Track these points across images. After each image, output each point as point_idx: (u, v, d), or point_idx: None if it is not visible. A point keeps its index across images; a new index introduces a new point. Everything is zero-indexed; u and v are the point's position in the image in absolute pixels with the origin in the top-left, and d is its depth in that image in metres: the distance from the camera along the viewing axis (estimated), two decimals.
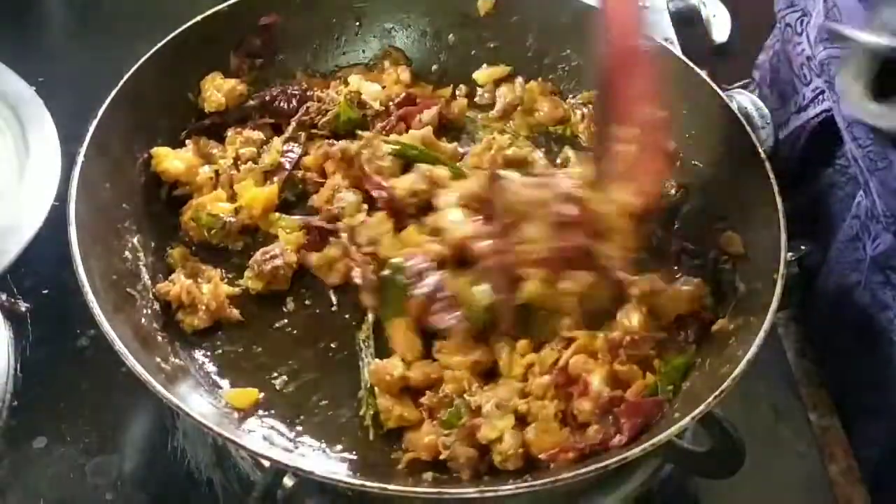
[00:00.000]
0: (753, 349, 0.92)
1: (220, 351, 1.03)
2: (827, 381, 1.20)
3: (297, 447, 0.95)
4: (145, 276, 1.05)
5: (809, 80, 1.20)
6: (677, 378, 0.97)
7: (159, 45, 1.14)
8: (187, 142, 1.16)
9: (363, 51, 1.30)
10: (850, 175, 1.18)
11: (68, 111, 1.23)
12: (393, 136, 1.18)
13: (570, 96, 1.27)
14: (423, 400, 0.97)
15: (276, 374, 1.01)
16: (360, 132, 1.18)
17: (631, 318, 1.00)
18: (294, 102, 1.22)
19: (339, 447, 0.96)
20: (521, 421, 0.95)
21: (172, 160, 1.13)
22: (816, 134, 1.20)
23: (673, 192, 1.16)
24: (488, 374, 1.00)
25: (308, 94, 1.23)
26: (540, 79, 1.28)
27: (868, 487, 1.12)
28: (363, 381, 0.99)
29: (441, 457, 0.93)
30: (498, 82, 1.28)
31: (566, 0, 1.25)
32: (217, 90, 1.18)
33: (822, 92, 1.17)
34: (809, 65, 1.18)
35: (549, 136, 1.25)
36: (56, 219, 1.07)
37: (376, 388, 0.97)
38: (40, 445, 1.06)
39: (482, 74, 1.29)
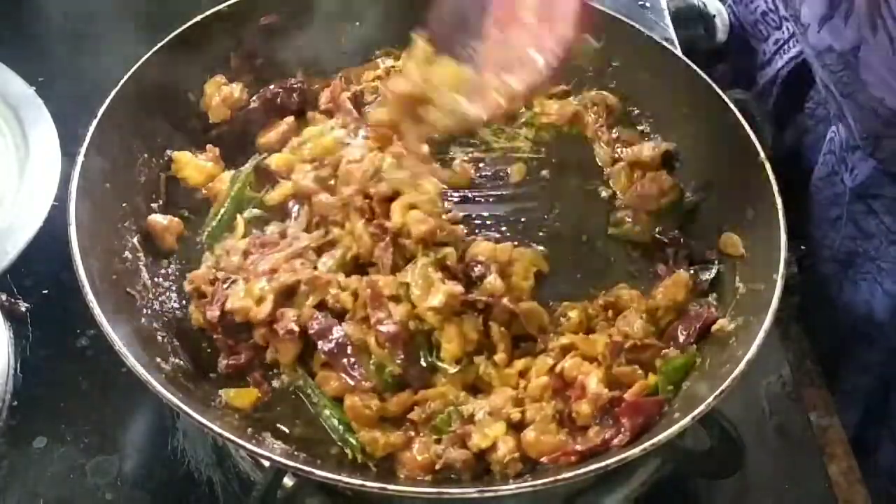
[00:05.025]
0: (753, 349, 0.92)
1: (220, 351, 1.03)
2: (814, 340, 1.22)
3: (296, 447, 0.95)
4: (145, 276, 1.05)
5: (768, 34, 1.23)
6: (677, 378, 0.97)
7: (159, 44, 1.14)
8: (209, 146, 1.16)
9: (363, 50, 1.30)
10: (818, 117, 1.21)
11: (68, 111, 1.23)
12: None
13: (571, 98, 1.27)
14: (412, 416, 0.96)
15: (276, 374, 1.01)
16: None
17: (632, 325, 1.01)
18: (295, 97, 1.22)
19: (338, 448, 0.95)
20: (516, 428, 0.95)
21: (193, 167, 1.13)
22: (787, 83, 1.23)
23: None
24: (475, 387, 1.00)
25: (309, 88, 1.24)
26: None
27: (852, 433, 1.14)
28: (331, 428, 0.97)
29: (436, 467, 0.92)
30: None
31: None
32: (220, 98, 1.18)
33: (787, 41, 1.18)
34: (765, 19, 1.21)
35: (558, 136, 1.25)
36: (56, 219, 1.07)
37: (354, 423, 0.95)
38: (40, 445, 1.06)
39: None
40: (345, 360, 0.97)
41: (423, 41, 1.02)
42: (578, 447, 0.92)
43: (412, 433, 0.95)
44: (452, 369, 0.98)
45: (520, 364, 1.00)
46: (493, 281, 1.02)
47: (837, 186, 1.17)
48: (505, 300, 1.01)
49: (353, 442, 0.94)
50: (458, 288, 1.00)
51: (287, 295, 1.01)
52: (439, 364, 0.99)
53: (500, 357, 1.00)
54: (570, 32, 0.95)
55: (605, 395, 0.94)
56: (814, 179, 1.22)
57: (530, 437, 0.93)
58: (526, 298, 1.04)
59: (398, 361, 0.97)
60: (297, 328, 0.98)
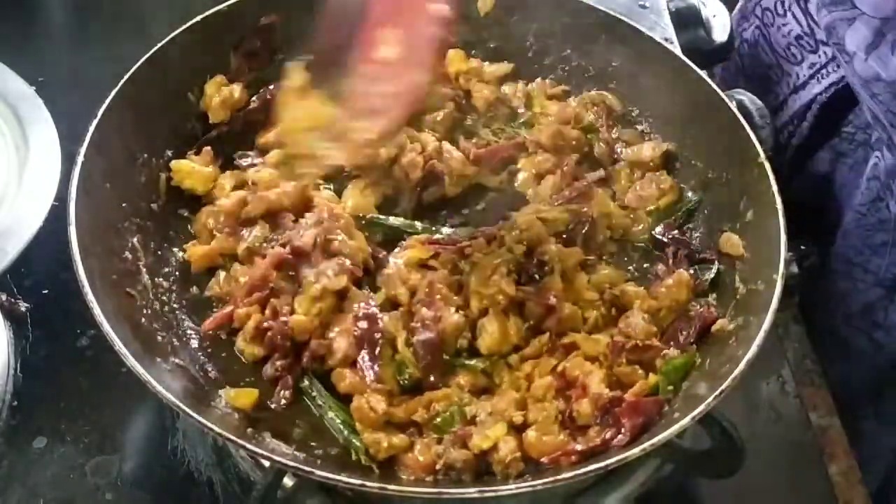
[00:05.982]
0: (753, 349, 0.92)
1: (220, 351, 1.03)
2: (831, 378, 1.21)
3: (296, 447, 0.95)
4: (145, 276, 1.05)
5: (801, 58, 1.21)
6: (677, 378, 0.97)
7: (159, 44, 1.14)
8: (205, 149, 1.16)
9: None
10: (858, 141, 1.19)
11: (68, 111, 1.23)
12: None
13: (571, 98, 1.27)
14: (416, 417, 0.96)
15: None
16: None
17: (634, 326, 1.01)
18: None
19: (338, 448, 0.95)
20: (518, 429, 0.95)
21: (195, 176, 1.13)
22: (825, 108, 1.21)
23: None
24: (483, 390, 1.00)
25: None
26: (539, 79, 1.28)
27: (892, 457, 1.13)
28: (334, 429, 0.96)
29: (437, 467, 0.93)
30: (501, 80, 1.28)
31: (566, 0, 1.25)
32: (220, 98, 1.18)
33: (825, 66, 1.17)
34: (799, 43, 1.19)
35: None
36: (56, 219, 1.07)
37: (358, 425, 0.94)
38: (40, 445, 1.06)
39: (486, 71, 1.28)
40: (366, 353, 0.97)
41: (300, 71, 1.01)
42: (579, 447, 0.92)
43: (416, 435, 0.95)
44: (481, 364, 0.99)
45: (528, 366, 1.00)
46: (552, 280, 1.02)
47: (882, 213, 1.16)
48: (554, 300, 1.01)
49: (357, 443, 0.94)
50: (512, 289, 1.00)
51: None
52: (466, 362, 0.99)
53: (514, 358, 1.00)
54: (426, 78, 0.95)
55: (606, 395, 0.94)
56: (855, 205, 1.20)
57: (532, 438, 0.93)
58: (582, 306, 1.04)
59: (421, 365, 0.97)
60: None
